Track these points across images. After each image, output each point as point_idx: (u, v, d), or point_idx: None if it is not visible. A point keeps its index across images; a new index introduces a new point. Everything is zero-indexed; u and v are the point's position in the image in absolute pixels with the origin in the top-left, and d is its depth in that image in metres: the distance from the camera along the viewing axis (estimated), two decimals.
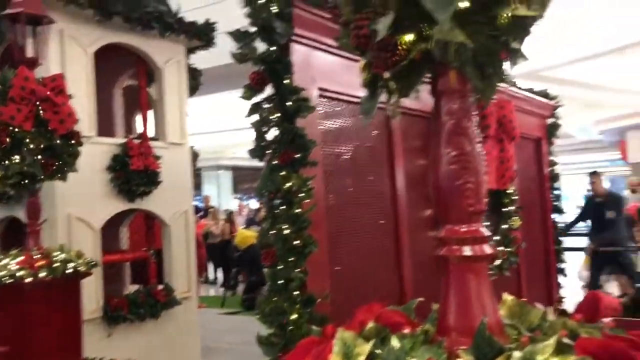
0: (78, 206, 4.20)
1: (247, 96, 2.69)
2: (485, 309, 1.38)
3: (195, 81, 5.33)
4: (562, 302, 5.48)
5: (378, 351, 1.32)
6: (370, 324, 1.46)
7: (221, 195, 22.96)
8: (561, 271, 5.56)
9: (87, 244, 4.16)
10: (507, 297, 1.62)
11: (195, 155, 5.29)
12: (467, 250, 1.43)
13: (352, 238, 3.22)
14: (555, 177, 5.61)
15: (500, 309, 1.54)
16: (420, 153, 3.74)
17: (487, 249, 1.44)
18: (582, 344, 1.28)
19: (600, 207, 7.36)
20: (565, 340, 1.30)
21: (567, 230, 7.40)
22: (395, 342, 1.33)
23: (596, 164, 21.80)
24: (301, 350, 1.45)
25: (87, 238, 4.24)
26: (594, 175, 7.62)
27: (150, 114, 5.04)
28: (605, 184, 12.01)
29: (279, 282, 2.67)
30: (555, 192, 5.64)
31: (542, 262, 5.47)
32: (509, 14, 1.25)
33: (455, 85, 1.41)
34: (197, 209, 12.76)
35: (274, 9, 2.64)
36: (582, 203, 8.10)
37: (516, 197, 4.46)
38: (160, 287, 4.80)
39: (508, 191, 4.32)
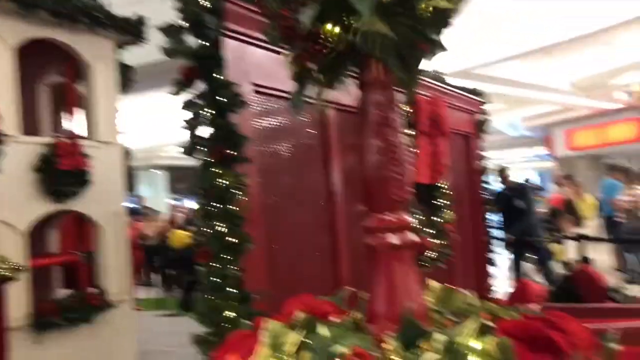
0: (2, 209, 4.01)
1: (176, 91, 2.64)
2: (411, 295, 1.42)
3: (127, 78, 5.18)
4: (493, 291, 5.69)
5: (306, 340, 1.33)
6: (299, 314, 1.46)
7: (157, 195, 22.45)
8: (491, 262, 5.76)
9: (13, 248, 3.98)
10: (434, 284, 1.67)
11: (128, 155, 5.15)
12: (393, 238, 1.46)
13: (289, 235, 3.22)
14: (484, 171, 5.81)
15: (427, 295, 1.59)
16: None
17: (413, 237, 1.48)
18: (502, 326, 1.33)
19: (510, 198, 7.70)
20: (487, 322, 1.36)
21: None
22: (323, 330, 1.34)
23: (526, 159, 22.73)
24: (231, 343, 1.44)
25: (13, 242, 4.06)
26: (502, 170, 8.00)
27: (80, 112, 4.87)
28: (537, 178, 12.50)
29: (215, 280, 2.64)
30: (485, 185, 5.84)
31: (473, 253, 5.65)
32: (429, 6, 1.29)
33: (379, 76, 1.43)
34: (132, 211, 12.41)
35: (205, 3, 2.60)
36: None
37: (448, 191, 4.59)
38: (94, 290, 4.65)
39: (440, 185, 4.44)
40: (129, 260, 4.98)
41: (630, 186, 10.21)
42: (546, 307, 4.24)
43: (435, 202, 4.42)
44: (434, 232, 4.16)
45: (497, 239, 7.50)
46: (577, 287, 4.35)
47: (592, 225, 8.77)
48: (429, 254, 4.03)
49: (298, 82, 1.58)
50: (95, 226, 4.75)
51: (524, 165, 22.49)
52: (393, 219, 1.46)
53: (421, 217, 3.98)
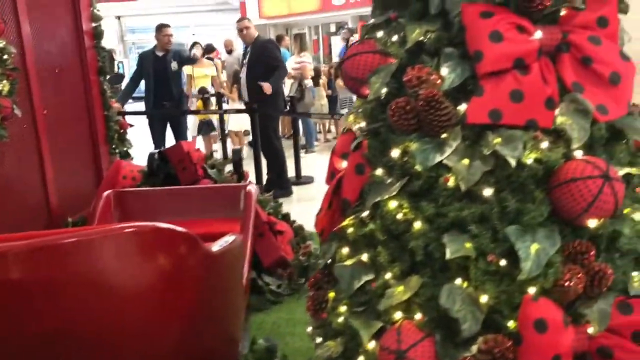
0: None
1: None
2: None
3: None
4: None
5: None
6: None
7: None
8: (112, 139, 5.14)
9: None
10: None
11: None
12: None
13: None
14: (99, 35, 4.96)
15: None
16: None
17: None
18: None
19: (163, 61, 6.78)
20: None
21: (130, 96, 6.82)
22: None
23: (225, 26, 22.35)
24: None
25: None
26: (159, 28, 6.84)
27: None
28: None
29: None
30: (102, 52, 5.03)
31: (87, 130, 4.93)
32: None
33: None
34: None
35: None
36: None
37: (10, 56, 3.63)
38: None
39: None
40: None
41: (300, 55, 10.43)
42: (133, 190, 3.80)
43: None
44: None
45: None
46: (171, 165, 3.97)
47: (234, 98, 8.36)
48: None
49: None
50: None
51: (225, 33, 22.13)
52: None
53: None
